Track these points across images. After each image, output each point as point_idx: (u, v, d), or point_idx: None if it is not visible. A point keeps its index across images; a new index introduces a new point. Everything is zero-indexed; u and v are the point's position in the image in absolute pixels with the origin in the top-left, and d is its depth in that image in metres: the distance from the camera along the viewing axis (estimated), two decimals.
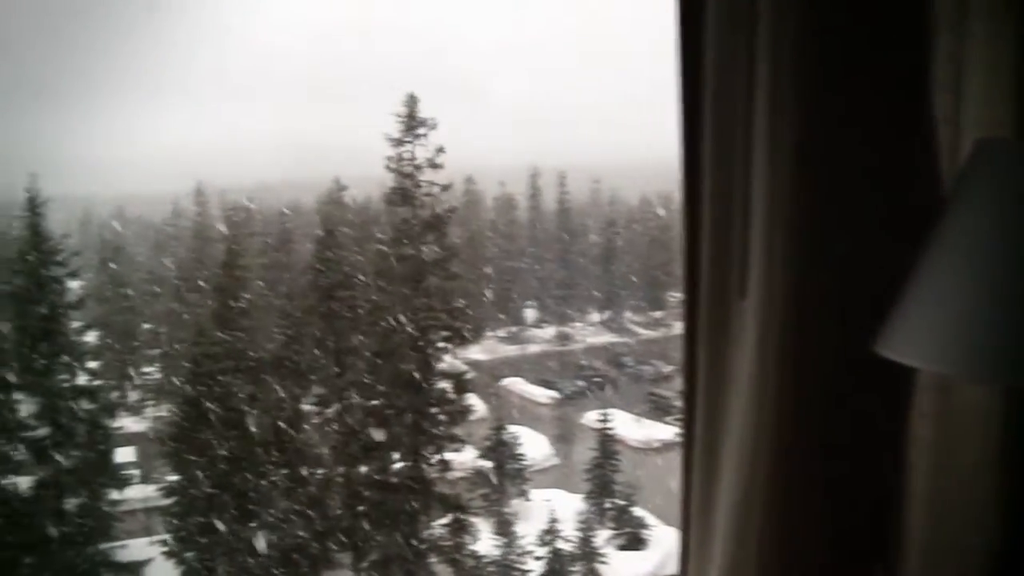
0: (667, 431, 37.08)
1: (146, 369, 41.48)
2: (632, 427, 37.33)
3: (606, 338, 51.17)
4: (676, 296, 52.74)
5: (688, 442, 2.22)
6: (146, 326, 43.64)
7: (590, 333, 52.15)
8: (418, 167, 29.35)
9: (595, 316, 54.64)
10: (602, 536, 30.06)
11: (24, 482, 24.89)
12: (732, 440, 2.09)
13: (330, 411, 29.29)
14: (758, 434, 2.01)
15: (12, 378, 26.44)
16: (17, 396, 26.82)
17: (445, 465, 27.79)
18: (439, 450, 27.85)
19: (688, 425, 2.22)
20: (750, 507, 2.00)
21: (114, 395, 34.49)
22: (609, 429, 32.62)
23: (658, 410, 39.51)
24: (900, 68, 1.81)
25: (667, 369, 43.55)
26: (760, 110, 1.90)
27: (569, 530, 29.29)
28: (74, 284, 31.78)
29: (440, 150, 29.16)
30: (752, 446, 2.00)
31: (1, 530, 23.58)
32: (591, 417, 35.63)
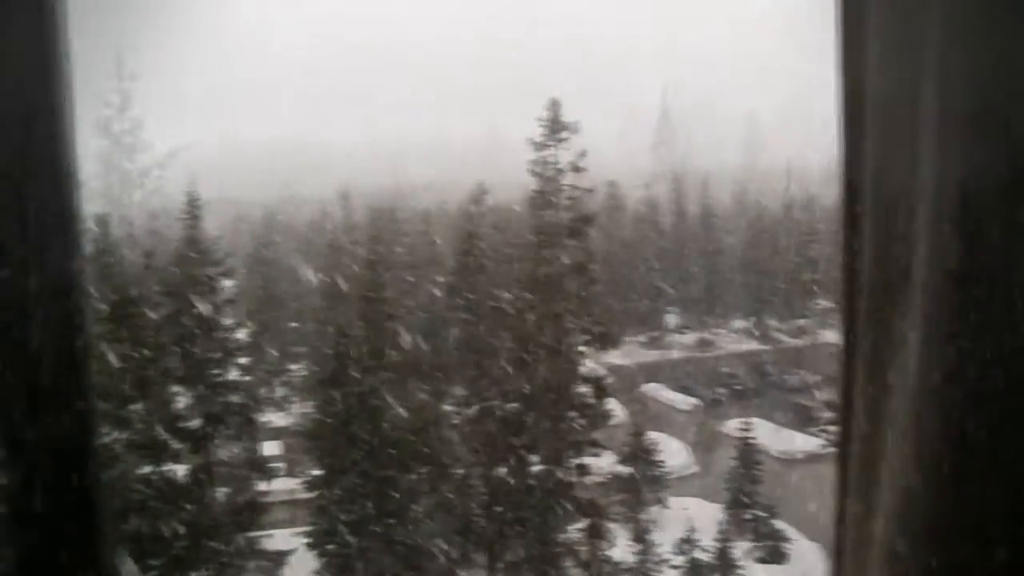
0: (812, 442, 36.12)
1: (292, 366, 42.78)
2: (775, 437, 36.50)
3: (749, 345, 50.18)
4: (822, 304, 51.32)
5: (843, 456, 2.15)
6: (292, 324, 45.02)
7: (732, 340, 51.24)
8: (561, 171, 29.37)
9: (737, 323, 53.65)
10: (741, 548, 29.46)
11: (181, 470, 25.98)
12: (892, 454, 2.01)
13: (470, 412, 29.55)
14: (919, 449, 1.93)
15: (171, 372, 27.69)
16: (175, 389, 28.10)
17: (583, 469, 27.66)
18: (578, 454, 27.74)
19: (844, 438, 2.14)
20: (911, 525, 1.92)
21: (262, 390, 35.72)
22: (750, 438, 31.97)
23: (803, 420, 38.50)
24: None
25: (813, 378, 42.37)
26: (926, 120, 1.82)
27: (707, 540, 28.82)
28: (227, 283, 32.97)
29: (583, 154, 29.11)
30: (914, 463, 1.92)
31: (159, 513, 24.68)
32: (732, 425, 35.00)
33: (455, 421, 29.45)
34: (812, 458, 34.55)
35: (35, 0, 1.10)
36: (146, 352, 27.47)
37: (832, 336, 47.10)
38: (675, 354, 49.10)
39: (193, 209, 28.29)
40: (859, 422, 2.09)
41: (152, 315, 28.44)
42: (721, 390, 42.82)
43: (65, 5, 1.07)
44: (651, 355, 48.35)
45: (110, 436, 26.69)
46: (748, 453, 31.89)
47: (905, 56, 1.83)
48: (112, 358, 28.07)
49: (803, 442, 36.36)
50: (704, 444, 37.82)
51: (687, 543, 28.55)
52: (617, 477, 31.46)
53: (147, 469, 25.93)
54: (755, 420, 33.40)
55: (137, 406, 28.09)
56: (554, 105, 29.30)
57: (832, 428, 33.59)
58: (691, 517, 29.45)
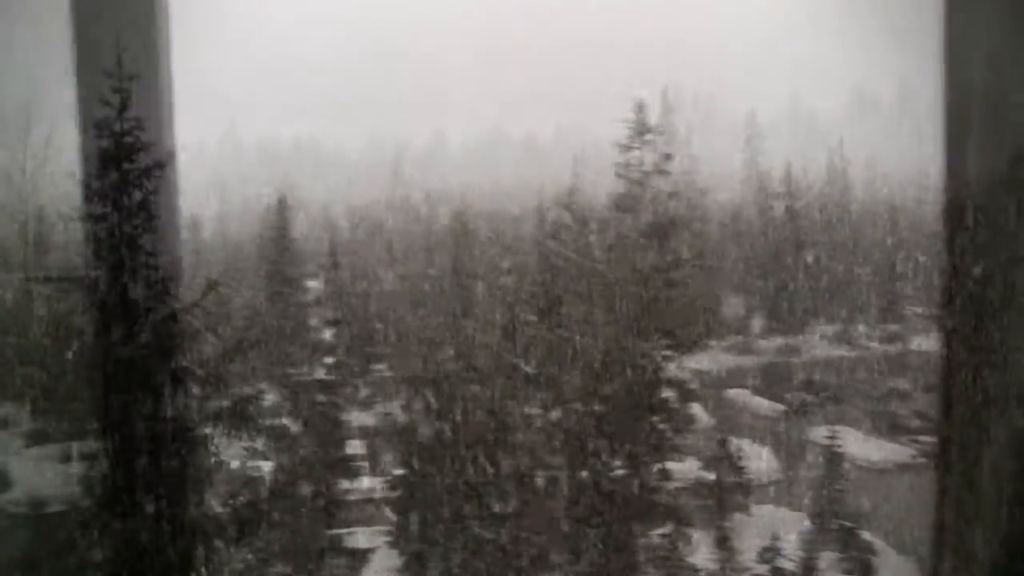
0: (902, 452, 35.28)
1: (377, 367, 43.23)
2: (863, 445, 35.72)
3: (837, 351, 49.15)
4: (914, 310, 50.02)
5: (941, 467, 2.11)
6: (378, 325, 45.50)
7: (819, 345, 50.26)
8: (646, 173, 29.28)
9: (825, 328, 52.62)
10: (826, 559, 28.90)
11: (266, 467, 26.55)
12: (992, 466, 1.97)
13: (552, 415, 29.58)
14: (1021, 462, 1.89)
15: (258, 370, 28.29)
16: (261, 387, 28.66)
17: (666, 474, 27.52)
18: (660, 459, 27.61)
19: (942, 449, 2.10)
20: (1012, 538, 1.88)
21: (347, 390, 36.20)
22: (837, 446, 31.33)
23: (893, 429, 37.60)
24: None
25: (904, 386, 41.33)
26: None
27: (791, 550, 28.37)
28: (313, 284, 33.53)
29: (668, 157, 28.98)
30: (1015, 475, 1.88)
31: (244, 508, 25.24)
32: (818, 433, 34.36)
33: (538, 424, 29.50)
34: (902, 468, 33.75)
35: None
36: (232, 349, 28.14)
37: (923, 343, 45.91)
38: (761, 359, 48.35)
39: (282, 210, 28.90)
40: (958, 433, 2.04)
41: (239, 314, 29.11)
42: (807, 397, 42.09)
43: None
44: (736, 360, 47.70)
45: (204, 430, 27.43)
46: (835, 461, 31.27)
47: (1015, 55, 1.79)
48: (204, 353, 28.86)
49: (892, 452, 35.54)
50: (789, 451, 37.22)
51: (770, 552, 28.15)
52: (700, 483, 31.15)
53: (235, 465, 26.53)
54: (842, 428, 32.72)
55: (225, 401, 28.74)
56: (640, 107, 29.25)
57: (924, 438, 32.80)
58: (775, 525, 28.99)
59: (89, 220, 17.91)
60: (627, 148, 29.14)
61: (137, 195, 18.24)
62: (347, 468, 28.69)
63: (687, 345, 29.19)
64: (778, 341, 50.02)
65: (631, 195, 29.07)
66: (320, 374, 29.65)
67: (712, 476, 31.52)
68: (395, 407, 32.98)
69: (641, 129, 28.87)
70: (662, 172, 28.69)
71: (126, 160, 18.06)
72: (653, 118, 29.03)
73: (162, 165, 17.61)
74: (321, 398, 28.67)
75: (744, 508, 32.04)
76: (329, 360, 30.58)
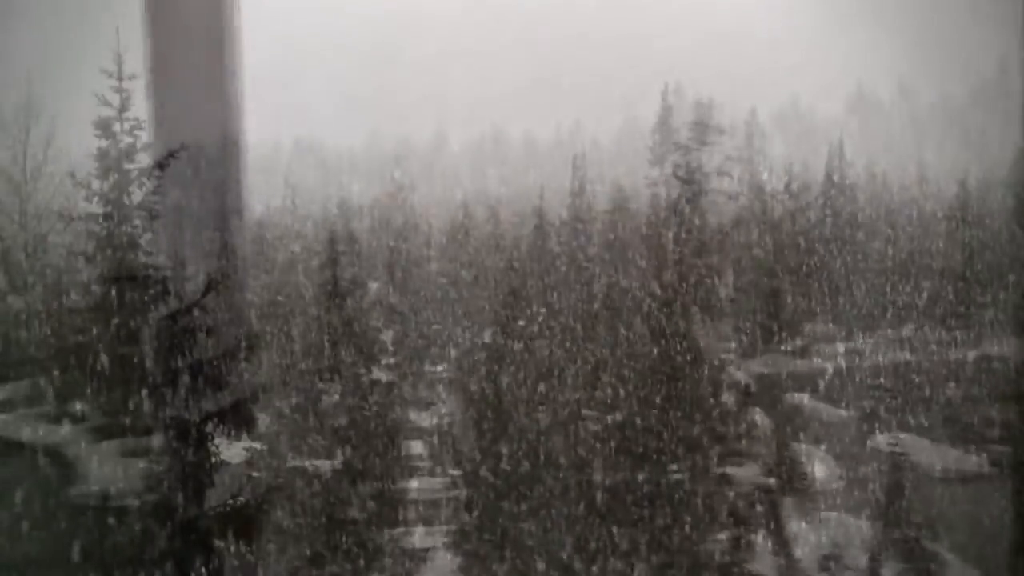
0: (970, 460, 34.51)
1: (435, 368, 43.43)
2: (928, 453, 35.01)
3: (902, 356, 48.27)
4: (983, 315, 48.99)
5: (1018, 476, 1.99)
6: (435, 327, 45.69)
7: (883, 349, 49.41)
8: (706, 175, 29.06)
9: (889, 332, 51.74)
10: (890, 569, 28.36)
11: (325, 466, 26.80)
12: None
13: (611, 419, 29.46)
14: None
15: (318, 370, 28.62)
16: (321, 387, 29.01)
17: (726, 479, 27.26)
18: (720, 464, 27.35)
19: (1018, 458, 1.98)
20: None
21: (406, 390, 36.42)
22: (901, 453, 30.73)
23: (959, 437, 36.79)
24: None
25: (974, 392, 40.43)
26: None
27: (853, 558, 27.91)
28: (373, 285, 33.74)
29: (729, 158, 28.73)
30: None
31: (303, 506, 25.53)
32: (882, 440, 33.78)
33: (595, 427, 29.42)
34: (970, 477, 33.00)
35: None
36: (295, 350, 28.51)
37: (996, 349, 44.89)
38: (824, 364, 47.66)
39: (343, 212, 29.14)
40: None
41: (298, 314, 29.43)
42: (871, 402, 41.38)
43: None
44: (798, 364, 47.08)
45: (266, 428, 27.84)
46: (899, 469, 30.68)
47: None
48: (266, 355, 29.27)
49: (960, 460, 34.77)
50: (853, 458, 36.62)
51: (831, 559, 27.71)
52: (760, 488, 30.81)
53: (294, 463, 26.86)
54: (908, 435, 32.10)
55: (288, 401, 29.19)
56: (701, 108, 29.01)
57: (995, 447, 32.06)
58: (837, 533, 28.54)
59: (89, 220, 18.24)
60: (687, 150, 28.92)
61: (137, 195, 18.56)
62: (404, 468, 28.84)
63: (749, 349, 28.85)
64: (843, 345, 49.33)
65: (689, 197, 28.81)
66: (380, 374, 29.86)
67: (773, 481, 31.20)
68: (452, 407, 33.15)
69: (702, 131, 28.63)
70: (722, 174, 28.44)
71: (126, 160, 18.39)
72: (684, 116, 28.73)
73: (162, 165, 17.94)
74: (379, 398, 28.85)
75: (806, 515, 31.64)
76: (389, 360, 30.78)
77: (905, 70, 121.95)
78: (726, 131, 28.70)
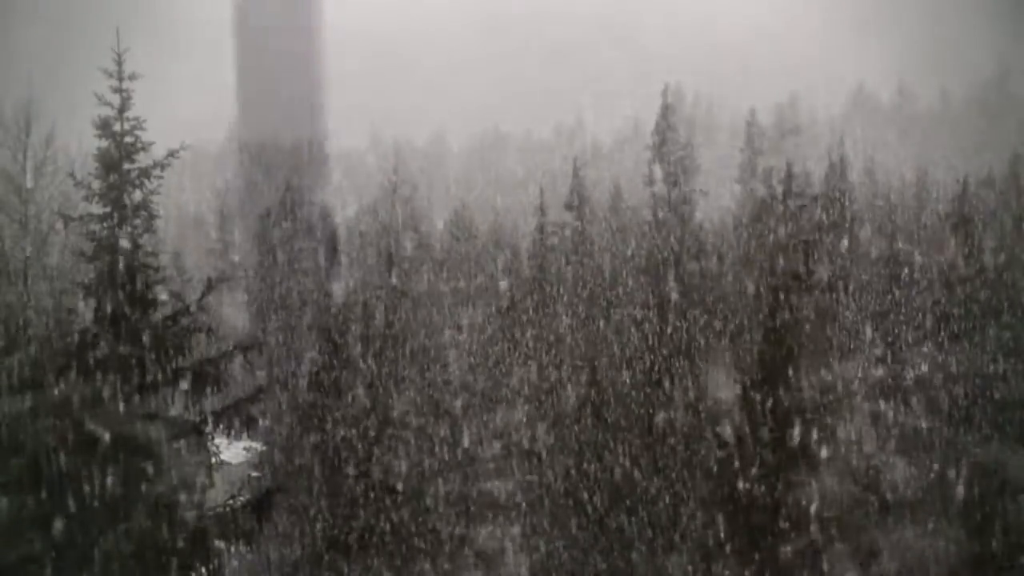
0: None
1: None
2: (1012, 464, 34.10)
3: (984, 365, 46.95)
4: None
5: None
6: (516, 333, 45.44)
7: (964, 359, 48.10)
8: (780, 181, 28.73)
9: (969, 340, 50.45)
10: None
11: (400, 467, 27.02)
12: None
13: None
14: None
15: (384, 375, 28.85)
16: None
17: (804, 488, 26.83)
18: (796, 474, 26.94)
19: None
20: None
21: (478, 393, 36.48)
22: (982, 464, 30.13)
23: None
24: None
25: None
26: None
27: (936, 572, 27.33)
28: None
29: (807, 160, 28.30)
30: None
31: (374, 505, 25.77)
32: (959, 449, 33.05)
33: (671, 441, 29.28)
34: None
35: None
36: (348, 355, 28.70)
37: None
38: (904, 372, 46.61)
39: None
40: None
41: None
42: (953, 412, 40.36)
43: None
44: (878, 373, 46.13)
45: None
46: (980, 480, 30.06)
47: None
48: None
49: None
50: (930, 468, 35.86)
51: (913, 572, 27.17)
52: (838, 499, 30.27)
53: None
54: (998, 445, 31.34)
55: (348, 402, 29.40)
56: (782, 109, 28.64)
57: None
58: (918, 545, 27.97)
59: (89, 220, 18.54)
60: (757, 152, 28.58)
61: (137, 195, 18.80)
62: (479, 471, 28.96)
63: (824, 357, 28.40)
64: (923, 353, 48.10)
65: (761, 202, 28.47)
66: (451, 375, 30.03)
67: (851, 492, 30.69)
68: (528, 411, 33.14)
69: (778, 134, 28.27)
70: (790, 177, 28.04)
71: (126, 160, 18.64)
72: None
73: (163, 165, 18.18)
74: (451, 399, 29.06)
75: (883, 525, 31.09)
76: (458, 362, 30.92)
77: (905, 70, 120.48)
78: (800, 132, 28.21)
